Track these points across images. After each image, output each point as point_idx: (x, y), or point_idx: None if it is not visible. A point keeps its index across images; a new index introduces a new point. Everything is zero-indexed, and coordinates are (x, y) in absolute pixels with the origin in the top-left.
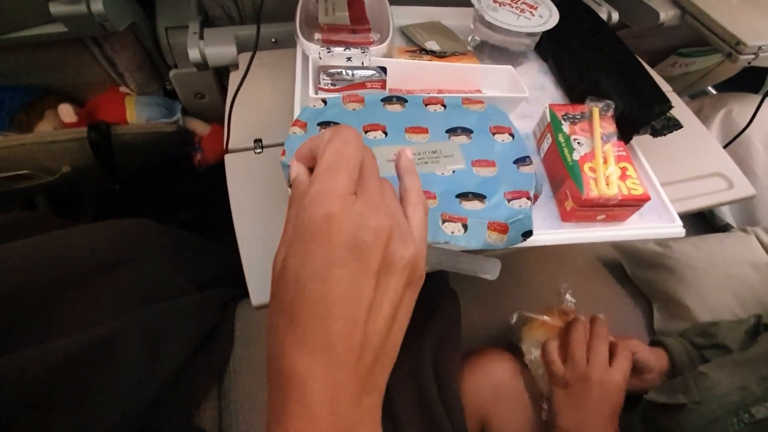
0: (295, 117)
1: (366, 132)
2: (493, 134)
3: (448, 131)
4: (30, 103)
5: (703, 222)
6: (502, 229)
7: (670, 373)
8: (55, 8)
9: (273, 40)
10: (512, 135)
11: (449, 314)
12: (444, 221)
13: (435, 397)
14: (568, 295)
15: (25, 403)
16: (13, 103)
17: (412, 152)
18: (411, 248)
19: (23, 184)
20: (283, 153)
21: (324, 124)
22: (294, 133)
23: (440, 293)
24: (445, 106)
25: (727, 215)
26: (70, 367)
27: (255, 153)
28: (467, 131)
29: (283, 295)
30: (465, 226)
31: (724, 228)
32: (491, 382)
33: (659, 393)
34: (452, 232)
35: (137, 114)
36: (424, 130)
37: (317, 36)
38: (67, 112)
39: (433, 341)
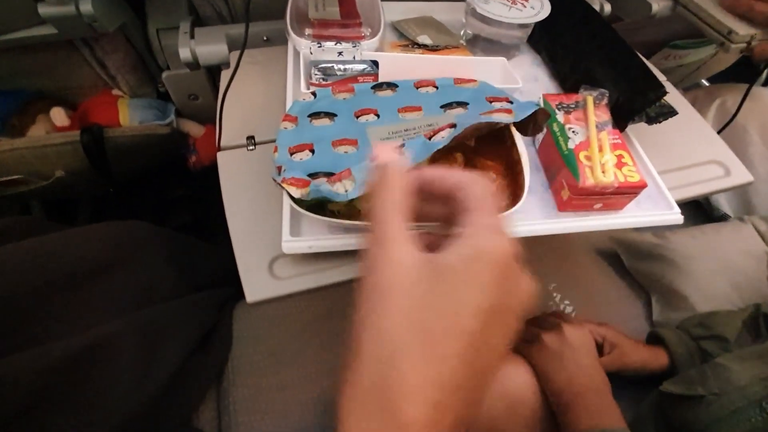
0: (286, 112)
1: (357, 117)
2: (491, 102)
3: (442, 106)
4: (22, 107)
5: (699, 212)
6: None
7: (670, 366)
8: (43, 9)
9: (264, 38)
10: (511, 101)
11: None
12: None
13: None
14: (557, 296)
15: (21, 407)
16: (4, 107)
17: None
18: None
19: (17, 190)
20: (276, 149)
21: (315, 115)
22: (285, 128)
23: None
24: (437, 87)
25: (724, 205)
26: (66, 369)
27: (248, 150)
28: (462, 104)
29: (429, 310)
30: None
31: (721, 218)
32: (503, 393)
33: (675, 384)
34: None
35: (130, 116)
36: (418, 108)
37: (308, 32)
38: (59, 115)
39: None
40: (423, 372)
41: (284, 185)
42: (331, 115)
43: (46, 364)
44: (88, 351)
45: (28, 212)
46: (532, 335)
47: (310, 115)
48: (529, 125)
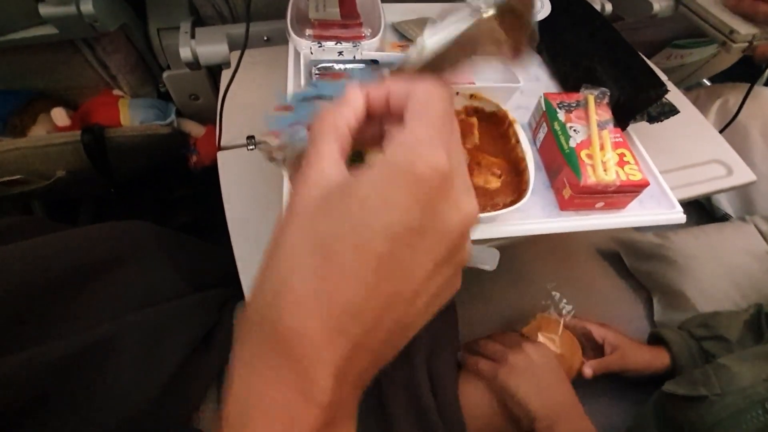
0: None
1: None
2: None
3: None
4: (23, 107)
5: (701, 212)
6: None
7: (671, 367)
8: (44, 9)
9: (265, 38)
10: None
11: (443, 317)
12: None
13: (431, 406)
14: (555, 294)
15: (21, 406)
16: (5, 107)
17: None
18: (477, 216)
19: (18, 190)
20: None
21: (309, 99)
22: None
23: None
24: None
25: (726, 205)
26: (67, 369)
27: (248, 149)
28: None
29: (329, 227)
30: None
31: (723, 218)
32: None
33: (678, 385)
34: None
35: (131, 116)
36: None
37: (308, 32)
38: (60, 115)
39: (426, 346)
40: (314, 286)
41: (263, 138)
42: (326, 98)
43: (48, 363)
44: (89, 350)
45: (30, 212)
46: (495, 353)
47: (304, 99)
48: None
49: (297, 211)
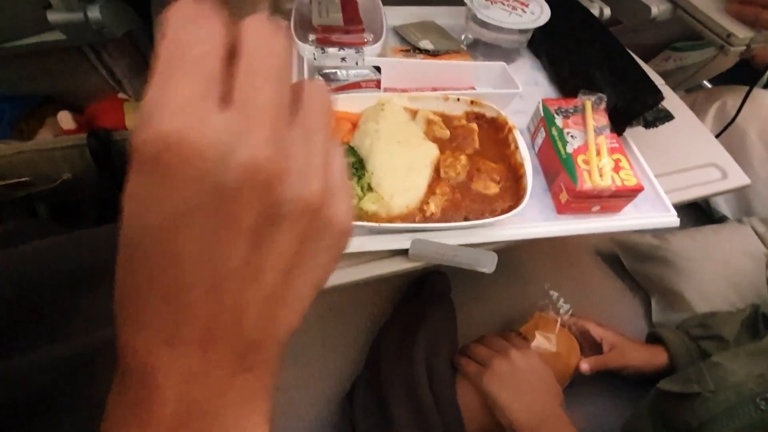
0: None
1: None
2: None
3: None
4: (30, 111)
5: (699, 214)
6: None
7: (669, 365)
8: (52, 16)
9: None
10: None
11: (442, 319)
12: None
13: (430, 404)
14: (553, 294)
15: (26, 408)
16: (13, 111)
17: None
18: (315, 186)
19: (24, 192)
20: None
21: None
22: None
23: (433, 300)
24: None
25: (723, 206)
26: (72, 370)
27: None
28: None
29: (126, 252)
30: None
31: (720, 219)
32: None
33: (672, 383)
34: None
35: (136, 120)
36: None
37: (311, 37)
38: (66, 119)
39: (425, 347)
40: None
41: None
42: None
43: (52, 364)
44: (94, 352)
45: (35, 214)
46: (482, 356)
47: None
48: None
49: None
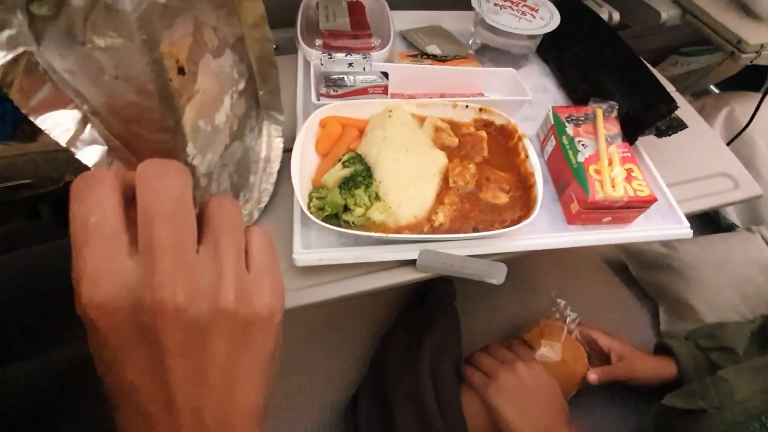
0: None
1: None
2: None
3: None
4: None
5: (708, 222)
6: None
7: (678, 378)
8: None
9: (274, 45)
10: None
11: (447, 327)
12: None
13: (435, 413)
14: (560, 302)
15: (30, 413)
16: (16, 113)
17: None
18: (223, 300)
19: (26, 194)
20: None
21: None
22: None
23: (437, 308)
24: None
25: (732, 215)
26: (72, 377)
27: None
28: None
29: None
30: None
31: (730, 228)
32: None
33: (678, 398)
34: None
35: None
36: None
37: (318, 42)
38: None
39: (430, 355)
40: None
41: None
42: None
43: (53, 371)
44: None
45: (38, 216)
46: (488, 367)
47: None
48: None
49: None
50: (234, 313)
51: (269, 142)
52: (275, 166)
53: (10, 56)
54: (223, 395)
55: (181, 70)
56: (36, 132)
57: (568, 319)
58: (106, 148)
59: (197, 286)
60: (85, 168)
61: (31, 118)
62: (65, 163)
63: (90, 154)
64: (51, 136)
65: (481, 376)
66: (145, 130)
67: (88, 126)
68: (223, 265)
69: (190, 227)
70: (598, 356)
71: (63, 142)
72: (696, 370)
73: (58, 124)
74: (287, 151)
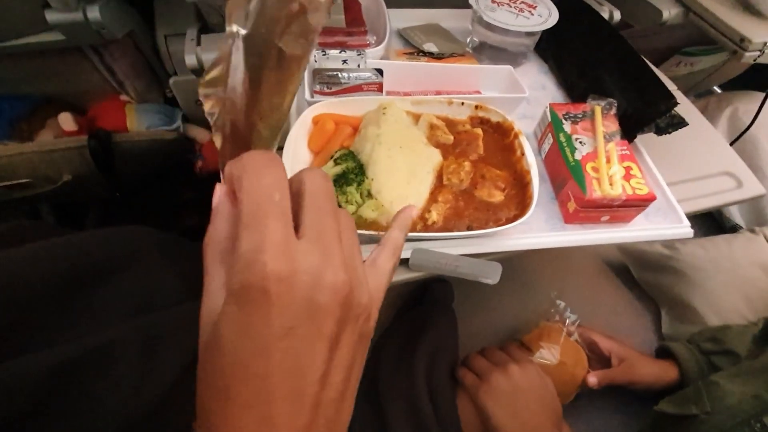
0: None
1: None
2: None
3: None
4: (31, 111)
5: (711, 222)
6: None
7: (680, 382)
8: (51, 16)
9: None
10: None
11: (443, 329)
12: None
13: (430, 416)
14: (560, 303)
15: (19, 412)
16: (13, 111)
17: (417, 212)
18: (366, 298)
19: (24, 193)
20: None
21: None
22: None
23: (434, 309)
24: None
25: (736, 215)
26: (65, 375)
27: None
28: None
29: (217, 372)
30: None
31: (733, 228)
32: None
33: (670, 404)
34: None
35: (137, 122)
36: None
37: None
38: (67, 120)
39: (426, 357)
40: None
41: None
42: None
43: (46, 369)
44: (87, 357)
45: (37, 215)
46: (481, 369)
47: None
48: None
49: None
50: (370, 309)
51: None
52: None
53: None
54: (338, 399)
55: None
56: (33, 131)
57: (567, 321)
58: (222, 134)
59: (354, 279)
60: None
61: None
62: (62, 162)
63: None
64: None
65: (473, 377)
66: (253, 131)
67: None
68: (358, 265)
69: (341, 226)
70: (599, 359)
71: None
72: (698, 373)
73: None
74: (279, 149)
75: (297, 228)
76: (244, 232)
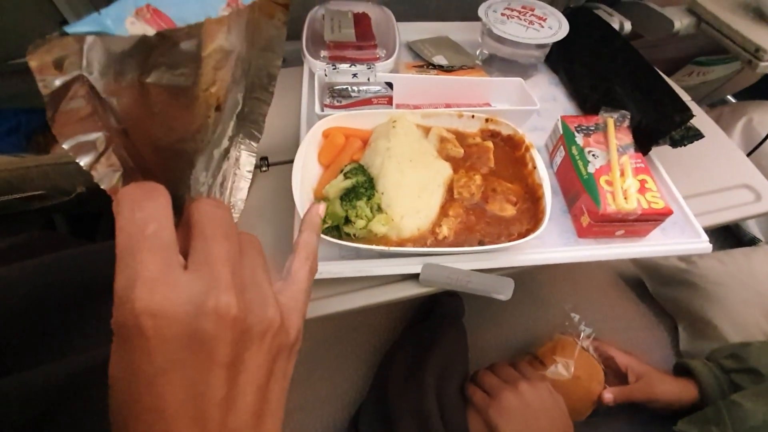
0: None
1: None
2: None
3: None
4: (47, 125)
5: (728, 235)
6: None
7: (699, 401)
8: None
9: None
10: None
11: (453, 343)
12: None
13: None
14: (575, 316)
15: (28, 424)
16: (30, 125)
17: (324, 210)
18: (271, 313)
19: (39, 205)
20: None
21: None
22: None
23: (444, 322)
24: None
25: (754, 227)
26: (73, 388)
27: (261, 171)
28: None
29: (114, 408)
30: None
31: (751, 241)
32: None
33: (690, 424)
34: None
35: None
36: None
37: (323, 53)
38: None
39: (435, 373)
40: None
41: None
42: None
43: (54, 382)
44: (95, 370)
45: (52, 225)
46: (491, 386)
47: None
48: None
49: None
50: (279, 325)
51: (245, 159)
52: (245, 182)
53: (67, 78)
54: (254, 418)
55: (218, 108)
56: (49, 144)
57: (582, 335)
58: (122, 171)
59: (251, 299)
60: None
61: (60, 141)
62: (77, 174)
63: (108, 177)
64: (76, 159)
65: (482, 395)
66: (169, 159)
67: (110, 149)
68: (261, 282)
69: (238, 246)
70: (615, 375)
71: (85, 165)
72: (719, 392)
73: (84, 147)
74: (289, 162)
75: (187, 260)
76: (118, 270)
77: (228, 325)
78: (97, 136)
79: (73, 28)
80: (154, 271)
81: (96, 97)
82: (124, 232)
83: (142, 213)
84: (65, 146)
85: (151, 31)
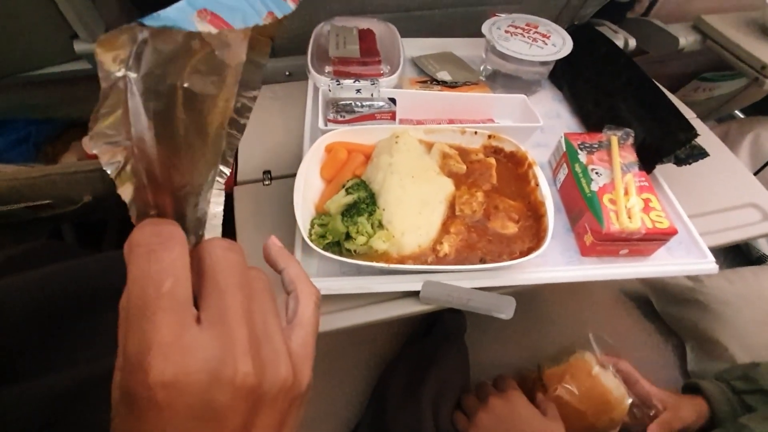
0: None
1: None
2: None
3: None
4: (57, 135)
5: (736, 254)
6: None
7: (710, 422)
8: (79, 47)
9: (287, 72)
10: None
11: (453, 362)
12: None
13: None
14: (591, 336)
15: None
16: (39, 135)
17: (277, 240)
18: (284, 372)
19: (46, 214)
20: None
21: None
22: None
23: (444, 340)
24: None
25: (763, 245)
26: (73, 399)
27: (264, 185)
28: None
29: None
30: None
31: (759, 259)
32: None
33: None
34: None
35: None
36: None
37: (328, 69)
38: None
39: (433, 393)
40: None
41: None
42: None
43: (54, 393)
44: (96, 381)
45: (59, 234)
46: (469, 408)
47: None
48: None
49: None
50: (291, 385)
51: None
52: (218, 219)
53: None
54: None
55: (230, 123)
56: (57, 154)
57: (594, 363)
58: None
59: (265, 356)
60: (104, 191)
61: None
62: (84, 184)
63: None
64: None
65: (464, 419)
66: (184, 174)
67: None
68: (275, 338)
69: (251, 292)
70: (636, 403)
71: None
72: (731, 414)
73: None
74: (292, 176)
75: (199, 309)
76: (129, 329)
77: (243, 396)
78: (125, 142)
79: (149, 21)
80: (168, 336)
81: (129, 99)
82: (138, 286)
83: (159, 266)
84: (95, 149)
85: (214, 31)
